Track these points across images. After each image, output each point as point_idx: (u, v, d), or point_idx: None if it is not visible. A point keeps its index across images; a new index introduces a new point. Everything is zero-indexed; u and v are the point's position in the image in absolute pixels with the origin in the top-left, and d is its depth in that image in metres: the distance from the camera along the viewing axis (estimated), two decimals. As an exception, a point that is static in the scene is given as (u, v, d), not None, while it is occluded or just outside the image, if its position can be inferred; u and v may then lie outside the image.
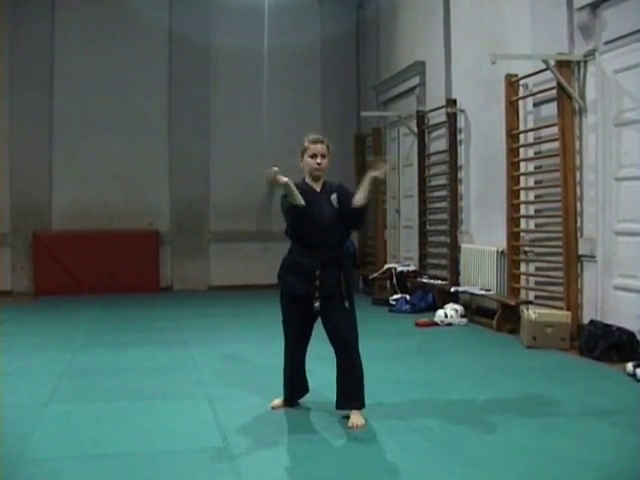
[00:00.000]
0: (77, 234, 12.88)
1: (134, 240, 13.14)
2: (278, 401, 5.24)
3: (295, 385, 5.23)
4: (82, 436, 4.58)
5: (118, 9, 13.08)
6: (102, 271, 12.72)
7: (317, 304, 4.88)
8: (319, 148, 4.97)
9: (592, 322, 7.24)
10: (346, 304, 4.89)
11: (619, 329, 6.86)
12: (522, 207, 8.79)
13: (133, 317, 10.21)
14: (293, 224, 4.97)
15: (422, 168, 11.43)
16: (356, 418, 4.79)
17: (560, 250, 7.84)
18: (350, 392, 4.90)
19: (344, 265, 4.97)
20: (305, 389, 5.28)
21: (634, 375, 6.01)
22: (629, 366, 6.15)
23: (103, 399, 5.53)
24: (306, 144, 4.98)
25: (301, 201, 4.77)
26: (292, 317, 5.05)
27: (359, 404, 4.89)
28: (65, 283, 12.61)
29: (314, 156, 4.95)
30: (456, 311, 9.26)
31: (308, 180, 5.03)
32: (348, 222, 5.02)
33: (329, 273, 4.90)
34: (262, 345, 7.79)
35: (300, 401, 5.28)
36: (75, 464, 4.06)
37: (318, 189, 5.02)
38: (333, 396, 5.00)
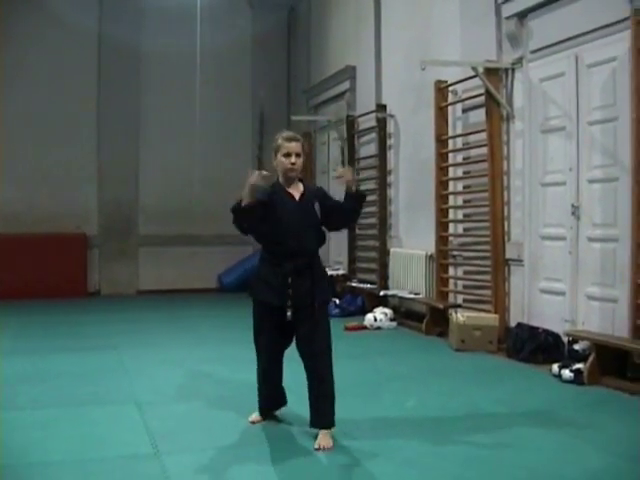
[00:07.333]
0: (2, 238, 12.47)
1: (61, 244, 12.81)
2: (255, 416, 4.94)
3: (269, 397, 4.93)
4: (9, 445, 4.42)
5: (47, 11, 12.73)
6: (28, 276, 12.35)
7: (289, 313, 4.52)
8: (293, 146, 4.59)
9: (519, 325, 7.39)
10: (317, 313, 4.55)
11: (545, 331, 7.02)
12: (450, 211, 8.92)
13: (60, 322, 9.93)
14: (258, 228, 4.58)
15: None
16: (324, 439, 4.43)
17: (488, 254, 7.99)
18: (320, 408, 4.55)
19: (316, 273, 4.66)
20: (282, 401, 4.98)
21: (559, 376, 6.17)
22: (555, 367, 6.31)
23: (31, 407, 5.37)
24: (279, 142, 4.61)
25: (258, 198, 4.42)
26: (264, 328, 4.70)
27: (329, 422, 4.54)
28: (-11, 288, 12.20)
29: (288, 155, 4.58)
30: (385, 315, 9.31)
31: (282, 181, 4.66)
32: (342, 219, 4.90)
33: (302, 282, 4.55)
34: (191, 350, 7.73)
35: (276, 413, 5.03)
36: (2, 474, 3.95)
37: (297, 196, 4.64)
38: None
